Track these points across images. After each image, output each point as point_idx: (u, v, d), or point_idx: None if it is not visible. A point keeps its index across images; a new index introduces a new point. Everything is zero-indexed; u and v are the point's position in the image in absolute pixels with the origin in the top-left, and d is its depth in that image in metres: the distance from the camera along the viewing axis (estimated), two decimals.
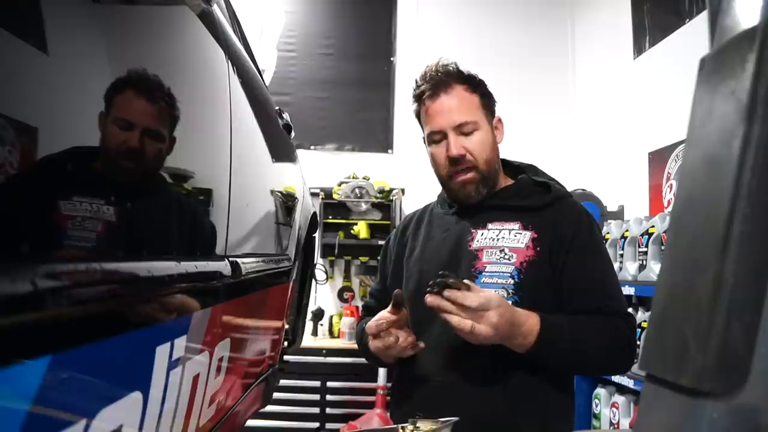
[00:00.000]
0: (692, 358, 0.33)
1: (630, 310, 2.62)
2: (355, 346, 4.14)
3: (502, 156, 1.44)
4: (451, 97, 1.31)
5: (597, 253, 1.33)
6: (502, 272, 1.28)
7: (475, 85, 1.35)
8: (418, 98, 1.37)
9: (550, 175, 1.45)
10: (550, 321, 1.21)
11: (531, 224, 1.31)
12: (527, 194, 1.37)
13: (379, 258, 1.64)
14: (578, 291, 1.27)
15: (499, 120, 1.39)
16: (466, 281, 1.15)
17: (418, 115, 1.40)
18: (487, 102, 1.36)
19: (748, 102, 0.33)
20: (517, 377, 1.26)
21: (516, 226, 1.32)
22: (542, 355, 1.21)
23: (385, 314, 1.26)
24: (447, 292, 1.12)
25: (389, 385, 3.70)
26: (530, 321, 1.19)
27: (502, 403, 1.24)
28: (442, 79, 1.32)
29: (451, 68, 1.34)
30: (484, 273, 1.29)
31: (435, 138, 1.34)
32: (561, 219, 1.32)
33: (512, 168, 1.46)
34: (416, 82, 1.37)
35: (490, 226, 1.34)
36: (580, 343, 1.21)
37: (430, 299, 1.13)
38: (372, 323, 1.27)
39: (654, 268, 2.54)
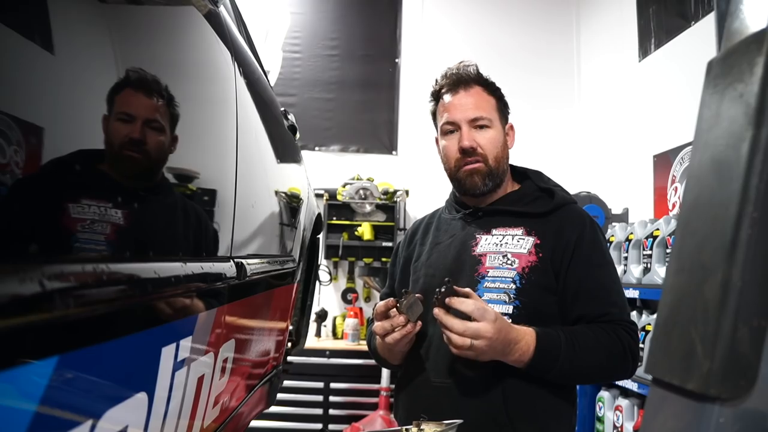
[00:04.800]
0: (699, 363, 0.33)
1: (634, 313, 2.64)
2: (358, 347, 4.14)
3: (509, 160, 1.45)
4: (470, 94, 1.36)
5: (601, 259, 1.33)
6: (504, 277, 1.29)
7: (493, 89, 1.40)
8: (437, 95, 1.41)
9: (555, 182, 1.46)
10: (547, 337, 1.21)
11: (534, 230, 1.32)
12: (531, 200, 1.38)
13: (383, 259, 1.66)
14: (581, 297, 1.28)
15: (511, 127, 1.43)
16: (468, 290, 1.19)
17: (433, 114, 1.43)
18: (502, 107, 1.40)
19: (757, 105, 0.33)
20: (517, 380, 1.26)
21: (519, 231, 1.33)
22: (540, 371, 1.22)
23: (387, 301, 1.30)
24: (448, 300, 1.17)
25: (392, 386, 3.70)
26: (526, 338, 1.20)
27: (501, 405, 1.24)
28: (463, 77, 1.37)
29: (473, 70, 1.39)
30: (486, 278, 1.30)
31: (448, 129, 1.38)
32: (565, 225, 1.33)
33: (518, 173, 1.47)
34: (436, 80, 1.42)
35: (494, 231, 1.35)
36: (577, 358, 1.22)
37: (435, 311, 1.18)
38: (380, 305, 1.30)
39: (658, 271, 2.53)
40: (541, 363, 1.20)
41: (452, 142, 1.36)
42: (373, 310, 1.42)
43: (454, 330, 1.15)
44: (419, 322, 1.28)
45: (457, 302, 1.16)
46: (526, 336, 1.20)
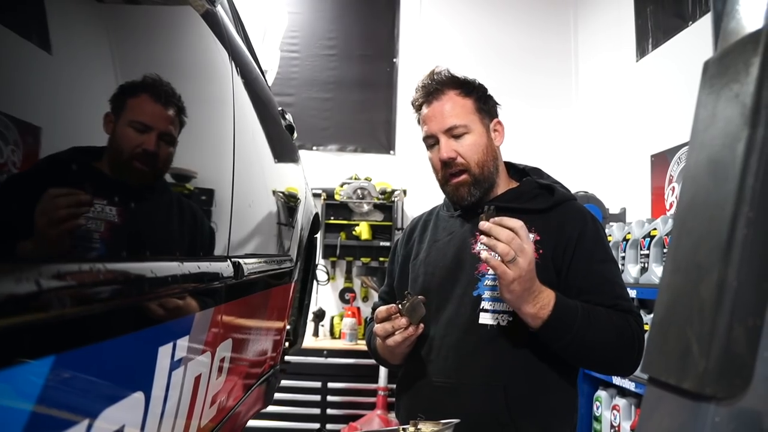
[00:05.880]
0: (695, 362, 0.33)
1: None
2: (356, 347, 4.13)
3: (505, 159, 1.44)
4: (443, 103, 1.35)
5: (603, 254, 1.33)
6: None
7: (469, 90, 1.37)
8: (414, 107, 1.42)
9: (554, 178, 1.45)
10: (566, 302, 1.21)
11: (534, 227, 1.31)
12: (531, 197, 1.38)
13: (381, 259, 1.66)
14: (588, 290, 1.27)
15: (499, 122, 1.40)
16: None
17: (419, 122, 1.43)
18: (483, 105, 1.38)
19: (752, 106, 0.33)
20: (518, 379, 1.26)
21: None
22: (553, 336, 1.20)
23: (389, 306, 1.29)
24: (493, 220, 1.17)
25: (390, 386, 3.70)
26: (548, 293, 1.19)
27: (503, 404, 1.24)
28: (434, 87, 1.36)
29: (443, 75, 1.37)
30: (487, 276, 1.30)
31: (429, 143, 1.38)
32: (566, 221, 1.32)
33: (517, 171, 1.47)
34: (416, 90, 1.41)
35: None
36: (591, 332, 1.20)
37: (482, 223, 1.17)
38: (381, 309, 1.29)
39: (656, 271, 2.54)
40: (556, 325, 1.19)
41: (435, 155, 1.37)
42: (372, 309, 1.42)
43: (502, 238, 1.14)
44: (421, 325, 1.28)
45: (507, 220, 1.17)
46: (548, 291, 1.20)
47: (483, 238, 1.17)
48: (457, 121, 1.33)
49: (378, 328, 1.29)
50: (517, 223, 1.16)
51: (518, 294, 1.16)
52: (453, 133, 1.33)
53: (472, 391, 1.27)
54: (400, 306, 1.25)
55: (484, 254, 1.18)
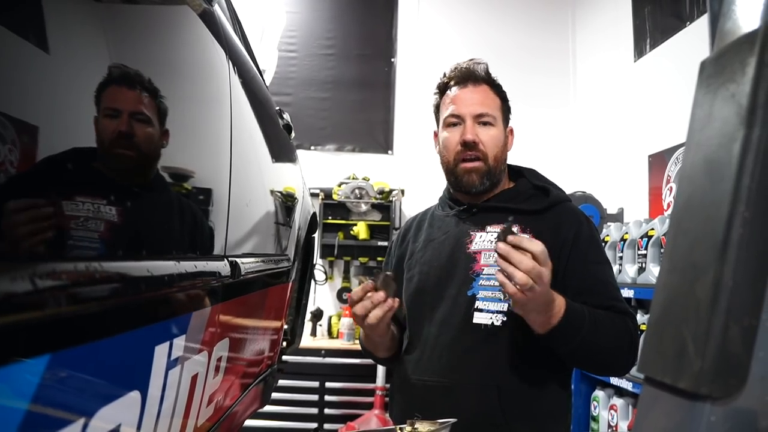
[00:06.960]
0: (690, 361, 0.33)
1: None
2: (354, 346, 4.12)
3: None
4: (477, 91, 1.38)
5: (598, 256, 1.34)
6: None
7: (500, 90, 1.42)
8: (443, 87, 1.42)
9: (549, 180, 1.46)
10: (574, 307, 1.20)
11: (529, 227, 1.32)
12: (526, 198, 1.38)
13: (379, 259, 1.66)
14: (583, 291, 1.27)
15: (511, 131, 1.44)
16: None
17: (437, 107, 1.44)
18: (506, 110, 1.42)
19: (748, 106, 0.33)
20: (512, 379, 1.26)
21: (514, 229, 1.33)
22: (561, 340, 1.19)
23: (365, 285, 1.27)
24: (510, 238, 1.10)
25: (388, 386, 3.70)
26: (559, 301, 1.17)
27: (496, 404, 1.24)
28: (473, 73, 1.39)
29: (483, 69, 1.41)
30: (481, 275, 1.30)
31: (451, 122, 1.38)
32: (561, 222, 1.33)
33: (513, 171, 1.48)
34: (444, 73, 1.43)
35: (488, 228, 1.35)
36: (597, 336, 1.20)
37: (500, 245, 1.10)
38: (357, 290, 1.26)
39: (653, 271, 2.54)
40: (566, 331, 1.17)
41: (454, 135, 1.36)
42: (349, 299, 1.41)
43: (522, 267, 1.07)
44: (396, 299, 1.25)
45: (527, 241, 1.10)
46: (560, 299, 1.17)
47: (501, 262, 1.10)
48: (489, 111, 1.36)
49: (357, 307, 1.25)
50: (537, 247, 1.09)
51: (530, 311, 1.15)
52: (481, 119, 1.35)
53: (466, 391, 1.27)
54: (374, 281, 1.24)
55: (500, 277, 1.11)
